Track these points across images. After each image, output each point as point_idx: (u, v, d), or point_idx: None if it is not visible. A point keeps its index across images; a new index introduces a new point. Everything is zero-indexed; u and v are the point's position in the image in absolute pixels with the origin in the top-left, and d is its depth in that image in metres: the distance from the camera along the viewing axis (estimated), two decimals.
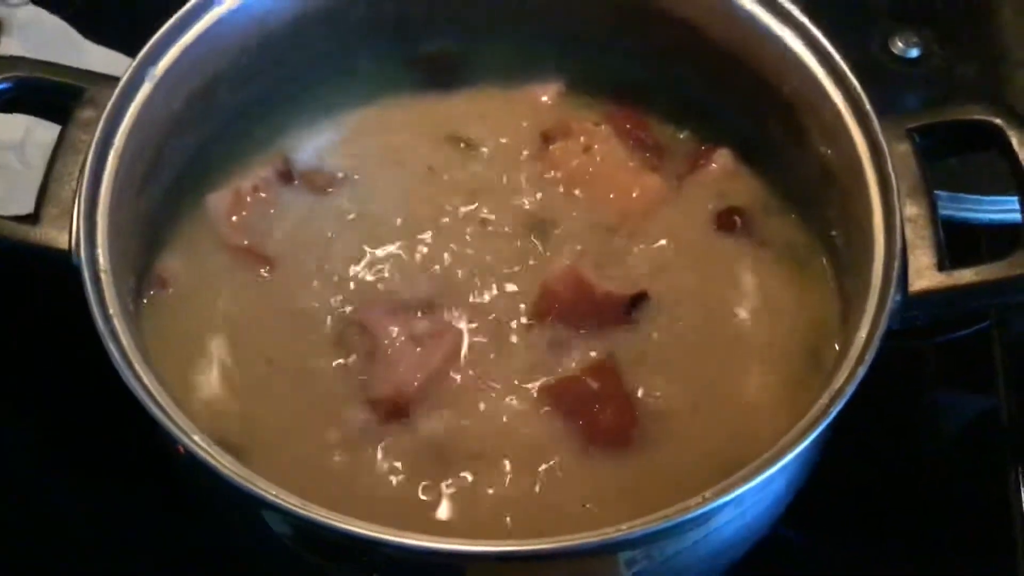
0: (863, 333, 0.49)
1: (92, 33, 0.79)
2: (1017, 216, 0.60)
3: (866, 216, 0.55)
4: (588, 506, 0.53)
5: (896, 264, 0.50)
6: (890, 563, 0.63)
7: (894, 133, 0.55)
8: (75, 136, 0.53)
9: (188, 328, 0.59)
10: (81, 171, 0.52)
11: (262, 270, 0.60)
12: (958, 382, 0.72)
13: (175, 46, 0.56)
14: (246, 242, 0.61)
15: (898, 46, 0.79)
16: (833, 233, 0.60)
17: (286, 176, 0.64)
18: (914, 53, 0.78)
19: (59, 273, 0.50)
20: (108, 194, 0.51)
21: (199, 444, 0.45)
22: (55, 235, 0.50)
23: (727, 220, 0.62)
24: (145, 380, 0.47)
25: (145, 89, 0.55)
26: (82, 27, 0.79)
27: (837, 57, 0.58)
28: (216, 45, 0.59)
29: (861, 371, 0.47)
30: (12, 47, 0.76)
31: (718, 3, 0.62)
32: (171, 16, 0.57)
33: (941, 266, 0.51)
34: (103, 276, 0.49)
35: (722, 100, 0.66)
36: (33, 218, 0.51)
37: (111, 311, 0.48)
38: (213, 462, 0.44)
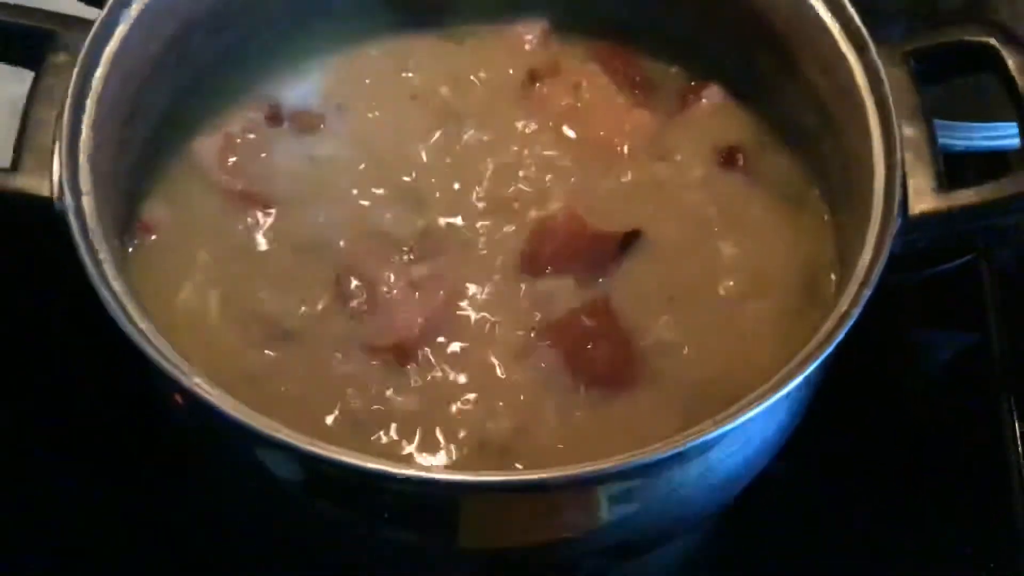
0: (866, 256, 0.48)
1: None
2: (1008, 142, 0.60)
3: (864, 143, 0.54)
4: (588, 444, 0.53)
5: (897, 186, 0.49)
6: (882, 499, 0.63)
7: (889, 57, 0.54)
8: (50, 83, 0.51)
9: (177, 277, 0.57)
10: (59, 118, 0.50)
11: (259, 213, 0.59)
12: (945, 319, 0.72)
13: None
14: (240, 186, 0.59)
15: None
16: (829, 166, 0.60)
17: (275, 118, 0.62)
18: None
19: (40, 223, 0.49)
20: (88, 141, 0.50)
21: (200, 386, 0.43)
22: (36, 183, 0.48)
23: (729, 157, 0.62)
24: (141, 324, 0.45)
25: (120, 31, 0.53)
26: None
27: None
28: None
29: (866, 292, 0.46)
30: None
31: None
32: None
33: (940, 188, 0.50)
34: (89, 221, 0.47)
35: (711, 35, 0.65)
36: (11, 168, 0.49)
37: (100, 256, 0.47)
38: (215, 402, 0.43)
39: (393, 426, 0.53)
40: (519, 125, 0.64)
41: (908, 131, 0.52)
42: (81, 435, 0.62)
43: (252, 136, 0.62)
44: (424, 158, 0.62)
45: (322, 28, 0.66)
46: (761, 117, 0.64)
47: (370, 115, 0.64)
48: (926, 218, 0.50)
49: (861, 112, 0.54)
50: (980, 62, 0.53)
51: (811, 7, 0.58)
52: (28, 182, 0.48)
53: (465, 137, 0.63)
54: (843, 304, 0.47)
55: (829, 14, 0.57)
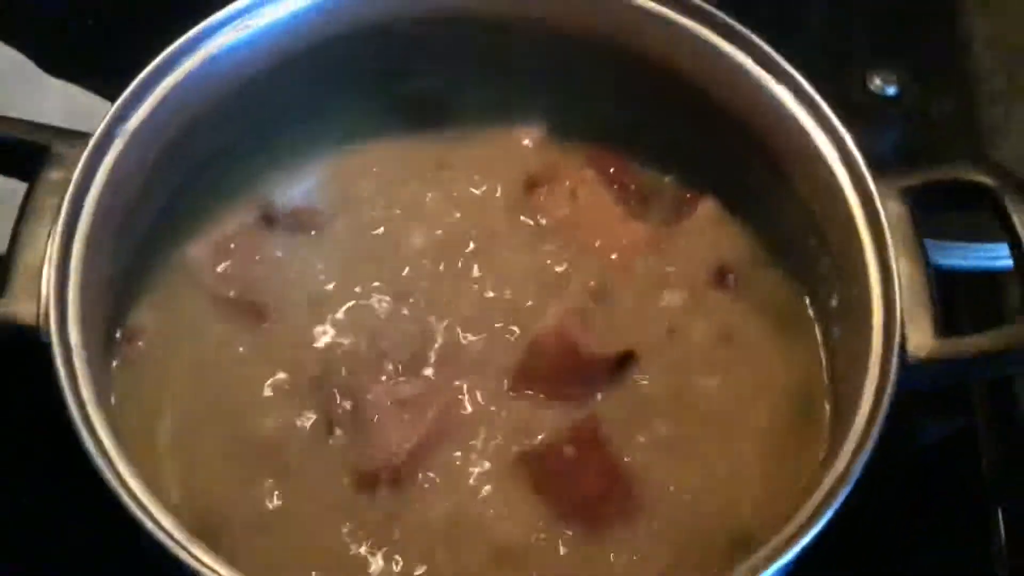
0: (864, 408, 0.48)
1: (52, 66, 0.76)
2: (1001, 263, 0.60)
3: (860, 276, 0.54)
4: None
5: (896, 335, 0.49)
6: None
7: (886, 191, 0.54)
8: (42, 200, 0.50)
9: (162, 393, 0.56)
10: (50, 237, 0.49)
11: (249, 322, 0.58)
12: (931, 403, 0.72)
13: (147, 100, 0.54)
14: (232, 293, 0.59)
15: (876, 83, 0.78)
16: (824, 286, 0.60)
17: (269, 220, 0.62)
18: (892, 91, 0.78)
19: (25, 346, 0.48)
20: (79, 262, 0.49)
21: (188, 552, 0.42)
22: (23, 308, 0.47)
23: (720, 277, 0.61)
24: (123, 473, 0.44)
25: (117, 146, 0.53)
26: (41, 59, 0.76)
27: (830, 113, 0.57)
28: (191, 95, 0.57)
29: (864, 456, 0.46)
30: None
31: (702, 51, 0.61)
32: (142, 64, 0.55)
33: (938, 333, 0.50)
34: (76, 358, 0.46)
35: (707, 146, 0.65)
36: None
37: (84, 396, 0.46)
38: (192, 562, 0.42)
39: (373, 556, 0.52)
40: (516, 234, 0.64)
41: (905, 268, 0.52)
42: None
43: (246, 240, 0.61)
44: (418, 266, 0.62)
45: (319, 128, 0.65)
46: (755, 232, 0.64)
47: (364, 219, 0.63)
48: (927, 364, 0.50)
49: (858, 243, 0.54)
50: (977, 198, 0.53)
51: (807, 133, 0.58)
52: (15, 307, 0.47)
53: (460, 245, 0.63)
54: (840, 462, 0.47)
55: (827, 141, 0.57)
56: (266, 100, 0.62)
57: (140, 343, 0.58)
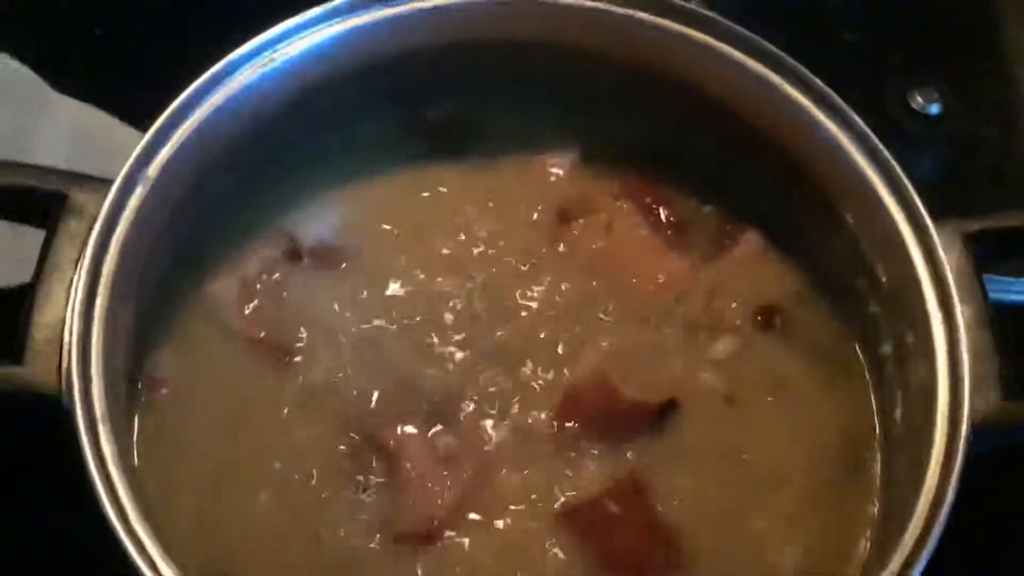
0: (928, 490, 0.45)
1: (61, 82, 0.73)
2: None
3: (919, 325, 0.52)
4: None
5: (965, 404, 0.47)
6: None
7: (947, 237, 0.52)
8: (62, 251, 0.48)
9: (186, 440, 0.54)
10: (69, 294, 0.46)
11: (277, 364, 0.56)
12: None
13: (168, 143, 0.51)
14: (260, 334, 0.56)
15: (917, 101, 0.76)
16: (874, 330, 0.57)
17: (294, 255, 0.59)
18: (935, 110, 0.75)
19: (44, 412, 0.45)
20: (102, 319, 0.46)
21: None
22: (43, 375, 0.45)
23: (767, 317, 0.59)
24: (147, 544, 0.42)
25: (138, 193, 0.50)
26: (50, 75, 0.73)
27: (882, 148, 0.55)
28: (211, 135, 0.54)
29: (931, 542, 0.43)
30: None
31: (741, 78, 0.58)
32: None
33: (1005, 395, 0.48)
34: (100, 427, 0.44)
35: (748, 176, 0.62)
36: (17, 349, 0.45)
37: (109, 463, 0.43)
38: None
39: None
40: (549, 270, 0.61)
41: (969, 320, 0.50)
42: None
43: (271, 276, 0.59)
44: (448, 304, 0.59)
45: (341, 160, 0.63)
46: (801, 268, 0.61)
47: (391, 254, 0.61)
48: (990, 429, 0.47)
49: (917, 290, 0.52)
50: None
51: (860, 168, 0.56)
52: (35, 376, 0.44)
53: (491, 282, 0.60)
54: (906, 543, 0.44)
55: (879, 178, 0.55)
56: (287, 134, 0.60)
57: (164, 391, 0.55)
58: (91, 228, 0.48)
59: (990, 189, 0.73)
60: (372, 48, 0.59)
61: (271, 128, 0.58)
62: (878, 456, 0.55)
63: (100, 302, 0.47)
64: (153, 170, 0.50)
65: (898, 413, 0.54)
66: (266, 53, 0.55)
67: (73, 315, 0.46)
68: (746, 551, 0.53)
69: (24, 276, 0.47)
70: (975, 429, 0.47)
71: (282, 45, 0.55)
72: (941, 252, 0.51)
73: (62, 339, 0.46)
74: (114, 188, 0.49)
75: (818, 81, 0.57)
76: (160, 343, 0.56)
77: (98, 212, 0.49)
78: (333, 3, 0.57)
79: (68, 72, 0.74)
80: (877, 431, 0.56)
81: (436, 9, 0.58)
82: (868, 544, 0.53)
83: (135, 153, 0.50)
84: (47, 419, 0.46)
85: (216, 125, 0.54)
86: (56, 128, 0.72)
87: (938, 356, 0.49)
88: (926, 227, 0.52)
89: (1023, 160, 0.75)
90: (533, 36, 0.60)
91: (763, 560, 0.53)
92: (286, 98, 0.57)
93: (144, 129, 0.52)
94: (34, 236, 0.50)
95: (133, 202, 0.50)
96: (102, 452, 0.43)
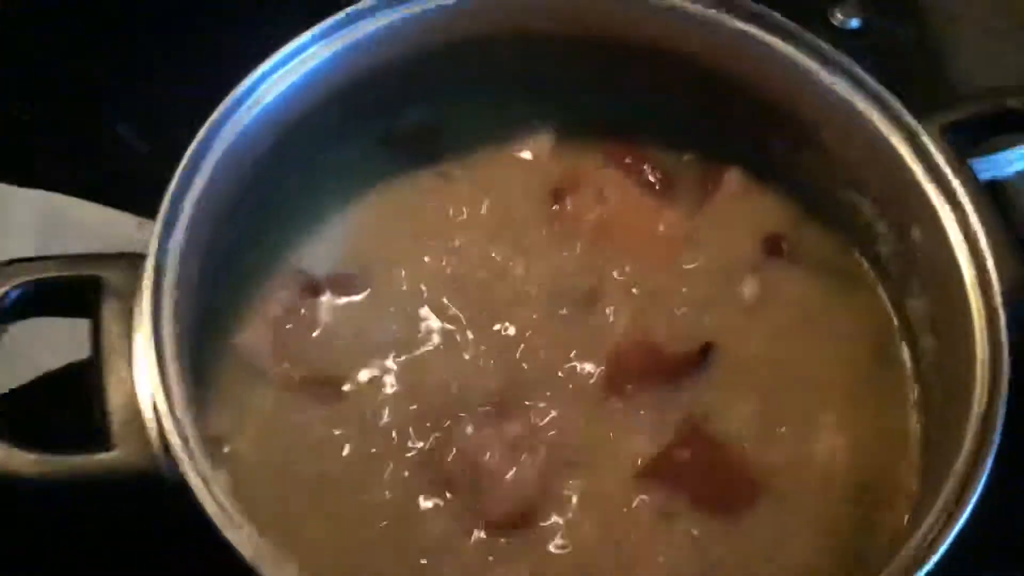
0: (981, 361, 0.49)
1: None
2: None
3: (926, 219, 0.55)
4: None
5: (991, 272, 0.50)
6: None
7: (930, 134, 0.55)
8: (111, 332, 0.48)
9: (258, 487, 0.54)
10: (131, 367, 0.47)
11: (326, 399, 0.56)
12: None
13: (182, 213, 0.51)
14: (301, 373, 0.57)
15: (838, 18, 0.79)
16: (870, 237, 0.61)
17: (313, 289, 0.60)
18: (855, 24, 0.79)
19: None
20: (177, 382, 0.47)
21: None
22: (134, 453, 0.45)
23: (773, 247, 0.62)
24: None
25: (170, 263, 0.50)
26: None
27: (858, 68, 0.58)
28: (217, 193, 0.54)
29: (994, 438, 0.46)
30: None
31: (693, 23, 0.60)
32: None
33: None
34: (212, 485, 0.44)
35: (718, 119, 0.65)
36: (102, 436, 0.45)
37: (234, 517, 0.44)
38: None
39: None
40: (557, 249, 0.63)
41: (969, 196, 0.53)
42: None
43: (298, 314, 0.59)
44: (471, 302, 0.61)
45: (330, 186, 0.63)
46: (790, 196, 0.64)
47: (405, 265, 0.62)
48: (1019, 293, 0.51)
49: (915, 186, 0.55)
50: (1018, 126, 0.55)
51: (834, 91, 0.58)
52: (129, 457, 0.45)
53: (504, 271, 0.62)
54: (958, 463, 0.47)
55: (848, 87, 0.57)
56: (278, 174, 0.60)
57: (226, 448, 0.55)
58: (132, 306, 0.48)
59: (923, 91, 0.77)
60: (346, 72, 0.60)
61: (264, 172, 0.59)
62: (903, 345, 0.59)
63: (171, 369, 0.47)
64: (174, 242, 0.50)
65: (914, 303, 0.58)
66: (250, 98, 0.56)
67: (151, 387, 0.46)
68: (809, 457, 0.56)
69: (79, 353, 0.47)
70: (1007, 297, 0.50)
71: (262, 87, 0.56)
72: (930, 144, 0.54)
73: (141, 416, 0.46)
74: (149, 265, 0.49)
75: (770, 11, 0.59)
76: (207, 403, 0.56)
77: (134, 288, 0.49)
78: (297, 40, 0.58)
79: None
80: (896, 323, 0.60)
81: (402, 20, 0.59)
82: (919, 424, 0.56)
83: (158, 227, 0.50)
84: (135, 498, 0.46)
85: (219, 181, 0.54)
86: (20, 220, 0.71)
87: (951, 237, 0.53)
88: (909, 124, 0.55)
89: (946, 58, 0.79)
90: (497, 30, 0.61)
91: (826, 460, 0.56)
92: (270, 146, 0.58)
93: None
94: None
95: (169, 275, 0.50)
96: (226, 507, 0.44)
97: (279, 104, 0.57)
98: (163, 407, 0.45)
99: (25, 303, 0.49)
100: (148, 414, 0.46)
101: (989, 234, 0.52)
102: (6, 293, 0.48)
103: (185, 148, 0.53)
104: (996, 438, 0.46)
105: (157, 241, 0.49)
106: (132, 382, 0.46)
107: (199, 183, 0.52)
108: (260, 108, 0.56)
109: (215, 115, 0.54)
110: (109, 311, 0.48)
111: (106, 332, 0.48)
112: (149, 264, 0.49)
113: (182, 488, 0.45)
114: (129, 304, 0.49)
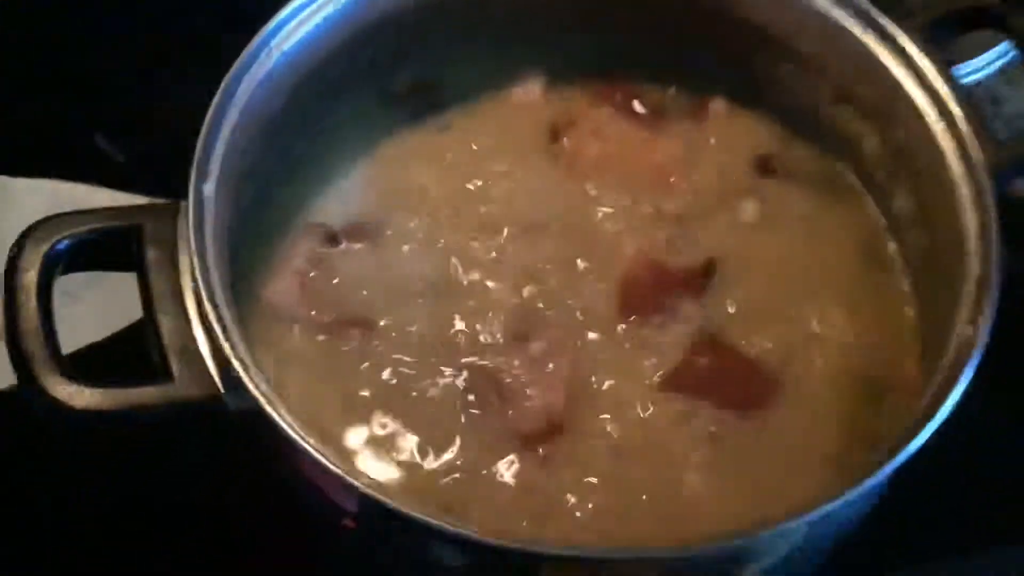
0: (969, 230, 0.53)
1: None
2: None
3: (904, 117, 0.58)
4: (754, 468, 0.56)
5: (976, 155, 0.54)
6: None
7: (910, 33, 0.58)
8: (158, 279, 0.50)
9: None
10: (184, 308, 0.49)
11: (362, 335, 0.59)
12: None
13: (213, 158, 0.54)
14: (331, 316, 0.60)
15: None
16: (857, 145, 0.64)
17: (331, 239, 0.63)
18: None
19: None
20: (227, 317, 0.49)
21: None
22: (195, 382, 0.48)
23: (765, 167, 0.65)
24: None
25: (209, 209, 0.52)
26: None
27: None
28: (241, 144, 0.56)
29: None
30: None
31: None
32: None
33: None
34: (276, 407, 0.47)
35: (701, 50, 0.67)
36: (161, 372, 0.48)
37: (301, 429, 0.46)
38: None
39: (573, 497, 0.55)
40: (561, 186, 0.66)
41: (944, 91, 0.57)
42: None
43: (319, 265, 0.62)
44: (486, 241, 0.64)
45: (340, 142, 0.66)
46: (775, 117, 0.68)
47: (417, 212, 0.65)
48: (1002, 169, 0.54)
49: (896, 88, 0.58)
50: (988, 22, 0.58)
51: (810, 6, 0.61)
52: (190, 386, 0.47)
53: (514, 209, 0.65)
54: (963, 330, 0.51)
55: (837, 8, 0.60)
56: (284, 136, 0.62)
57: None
58: (175, 251, 0.51)
59: None
60: (344, 30, 0.62)
61: (276, 131, 0.61)
62: (891, 241, 0.63)
63: (221, 304, 0.49)
64: (208, 190, 0.53)
65: (900, 203, 0.62)
66: (262, 54, 0.58)
67: (203, 321, 0.48)
68: (816, 354, 0.60)
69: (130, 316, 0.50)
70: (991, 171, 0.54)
71: (276, 40, 0.58)
72: (908, 45, 0.58)
73: (198, 349, 0.48)
74: (191, 210, 0.51)
75: None
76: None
77: (174, 237, 0.51)
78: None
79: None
80: (884, 223, 0.64)
81: None
82: (914, 311, 0.61)
83: (193, 175, 0.52)
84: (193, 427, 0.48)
85: (237, 139, 0.57)
86: (31, 209, 0.72)
87: (933, 127, 0.56)
88: (884, 28, 0.59)
89: None
90: None
91: (833, 356, 0.60)
92: (287, 91, 0.60)
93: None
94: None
95: (208, 217, 0.52)
96: (293, 424, 0.46)
97: (290, 59, 0.60)
98: (220, 335, 0.47)
99: (71, 256, 0.51)
100: (204, 348, 0.48)
101: (969, 121, 0.55)
102: (53, 246, 0.50)
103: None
104: (995, 293, 0.50)
105: (193, 188, 0.52)
106: (185, 319, 0.49)
107: (222, 137, 0.55)
108: (271, 65, 0.59)
109: (231, 72, 0.56)
110: (154, 257, 0.50)
111: (154, 277, 0.50)
112: (190, 208, 0.51)
113: (244, 414, 0.47)
114: (172, 250, 0.51)
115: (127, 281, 0.51)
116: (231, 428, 0.49)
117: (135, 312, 0.49)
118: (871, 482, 0.46)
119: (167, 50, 0.77)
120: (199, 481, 0.61)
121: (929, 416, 0.47)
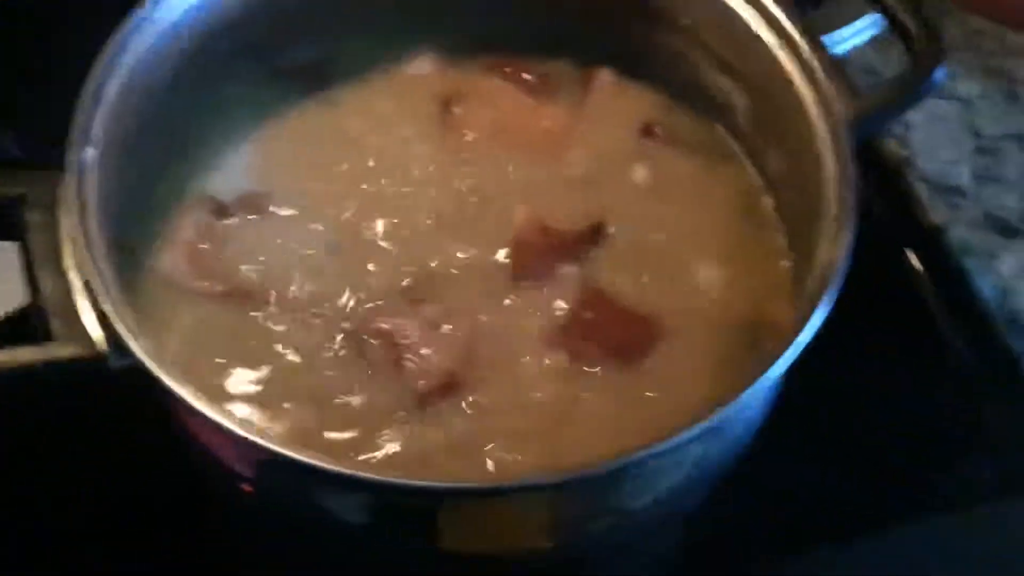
0: (831, 181, 0.56)
1: None
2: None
3: (772, 78, 0.61)
4: (644, 409, 0.58)
5: (835, 104, 0.57)
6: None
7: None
8: (38, 244, 0.50)
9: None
10: (61, 269, 0.49)
11: (251, 305, 0.60)
12: None
13: (92, 128, 0.54)
14: (223, 287, 0.60)
15: None
16: (734, 109, 0.67)
17: (221, 211, 0.63)
18: None
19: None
20: (109, 279, 0.49)
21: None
22: (76, 343, 0.48)
23: (647, 130, 0.68)
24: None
25: (88, 175, 0.52)
26: None
27: None
28: (125, 113, 0.57)
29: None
30: None
31: None
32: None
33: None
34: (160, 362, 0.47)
35: (585, 23, 0.70)
36: (41, 333, 0.48)
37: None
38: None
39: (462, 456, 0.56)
40: (454, 155, 0.67)
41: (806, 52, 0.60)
42: None
43: (209, 236, 0.62)
44: (380, 207, 0.65)
45: (228, 117, 0.66)
46: (658, 87, 0.70)
47: (306, 185, 0.65)
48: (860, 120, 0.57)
49: (768, 55, 0.62)
50: None
51: None
52: (68, 348, 0.47)
53: (406, 178, 0.66)
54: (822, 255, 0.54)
55: None
56: (170, 113, 0.63)
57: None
58: (56, 217, 0.51)
59: None
60: (232, 7, 0.63)
61: (162, 103, 0.61)
62: (767, 199, 0.66)
63: (103, 265, 0.49)
64: (89, 157, 0.53)
65: (772, 163, 0.65)
66: (147, 21, 0.58)
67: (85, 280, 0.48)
68: (699, 305, 0.62)
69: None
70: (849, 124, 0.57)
71: (159, 11, 0.59)
72: (779, 13, 0.61)
73: (77, 311, 0.48)
74: (70, 172, 0.51)
75: None
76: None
77: (56, 202, 0.51)
78: None
79: None
80: (761, 183, 0.67)
81: None
82: (789, 263, 0.63)
83: (73, 139, 0.52)
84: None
85: (120, 108, 0.57)
86: None
87: (800, 90, 0.59)
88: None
89: None
90: None
91: (714, 305, 0.62)
92: (173, 64, 0.61)
93: None
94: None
95: (89, 179, 0.52)
96: (169, 372, 0.47)
97: (177, 30, 0.60)
98: (98, 289, 0.47)
99: None
100: (86, 310, 0.48)
101: (831, 78, 0.58)
102: None
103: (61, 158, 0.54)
104: (851, 223, 0.53)
105: (74, 151, 0.52)
106: (65, 281, 0.49)
107: (106, 103, 0.55)
108: (156, 36, 0.59)
109: (111, 42, 0.57)
110: (35, 221, 0.50)
111: (34, 240, 0.50)
112: (70, 171, 0.51)
113: (127, 373, 0.47)
114: (53, 215, 0.51)
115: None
116: None
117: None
118: (745, 395, 0.49)
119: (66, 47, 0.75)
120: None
121: (798, 329, 0.50)
